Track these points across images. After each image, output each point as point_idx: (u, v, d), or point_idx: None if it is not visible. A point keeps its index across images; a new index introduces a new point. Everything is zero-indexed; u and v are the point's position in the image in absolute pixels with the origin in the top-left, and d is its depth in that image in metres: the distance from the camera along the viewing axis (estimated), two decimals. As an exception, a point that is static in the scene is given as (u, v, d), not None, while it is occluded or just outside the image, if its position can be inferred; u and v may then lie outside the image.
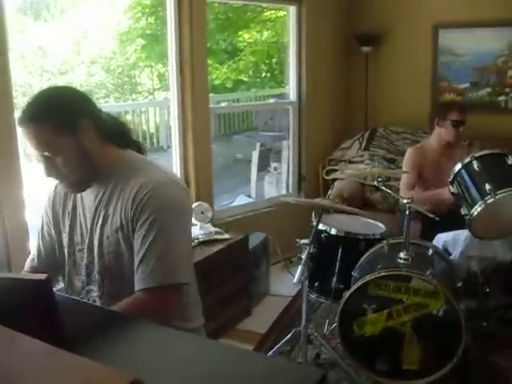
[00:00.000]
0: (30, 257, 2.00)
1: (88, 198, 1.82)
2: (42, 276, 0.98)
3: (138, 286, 1.65)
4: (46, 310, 0.98)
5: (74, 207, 1.86)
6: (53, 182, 1.88)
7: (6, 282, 1.04)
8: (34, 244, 2.04)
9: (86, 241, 1.80)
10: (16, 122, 1.71)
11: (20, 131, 1.71)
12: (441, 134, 3.85)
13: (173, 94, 4.01)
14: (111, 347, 1.19)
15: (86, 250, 1.81)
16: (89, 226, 1.80)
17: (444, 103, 4.01)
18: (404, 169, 3.89)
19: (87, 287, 1.82)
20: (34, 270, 1.95)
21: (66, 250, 1.87)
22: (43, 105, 1.67)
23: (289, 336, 3.09)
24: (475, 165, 3.09)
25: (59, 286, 2.01)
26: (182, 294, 1.72)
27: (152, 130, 7.97)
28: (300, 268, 2.74)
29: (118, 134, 1.82)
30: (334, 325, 3.03)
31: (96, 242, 1.77)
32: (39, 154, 1.67)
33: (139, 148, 1.88)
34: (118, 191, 1.74)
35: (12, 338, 0.67)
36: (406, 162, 3.92)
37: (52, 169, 1.68)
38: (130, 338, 1.24)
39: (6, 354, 0.65)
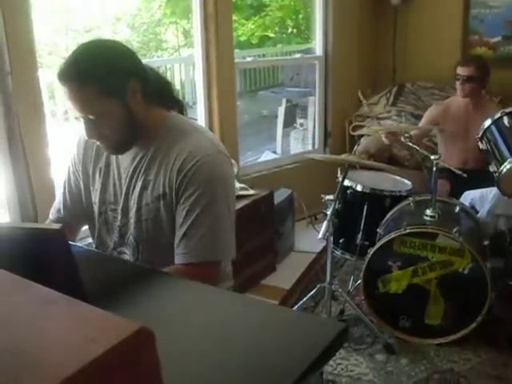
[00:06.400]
0: (55, 207, 1.95)
1: (124, 158, 1.75)
2: (57, 225, 0.99)
3: (178, 260, 1.62)
4: (62, 260, 0.99)
5: (108, 165, 1.80)
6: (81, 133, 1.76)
7: (21, 232, 1.06)
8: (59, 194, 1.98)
9: (120, 202, 1.76)
10: (58, 79, 1.54)
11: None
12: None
13: (197, 50, 3.96)
14: (132, 300, 1.21)
15: (119, 212, 1.76)
16: (124, 188, 1.75)
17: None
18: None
19: (119, 248, 1.79)
20: (60, 220, 1.90)
21: (96, 207, 1.82)
22: (90, 62, 1.53)
23: (313, 292, 3.11)
24: (506, 121, 3.02)
25: (84, 237, 1.96)
26: (223, 267, 1.70)
27: (177, 87, 7.94)
28: (325, 224, 2.73)
29: (161, 93, 1.74)
30: (359, 281, 3.03)
31: (133, 207, 1.72)
32: (82, 116, 1.58)
33: (181, 108, 1.81)
34: (160, 156, 1.68)
35: (23, 285, 0.68)
36: (424, 116, 3.96)
37: (94, 131, 1.60)
38: (153, 290, 1.25)
39: (15, 301, 0.66)
